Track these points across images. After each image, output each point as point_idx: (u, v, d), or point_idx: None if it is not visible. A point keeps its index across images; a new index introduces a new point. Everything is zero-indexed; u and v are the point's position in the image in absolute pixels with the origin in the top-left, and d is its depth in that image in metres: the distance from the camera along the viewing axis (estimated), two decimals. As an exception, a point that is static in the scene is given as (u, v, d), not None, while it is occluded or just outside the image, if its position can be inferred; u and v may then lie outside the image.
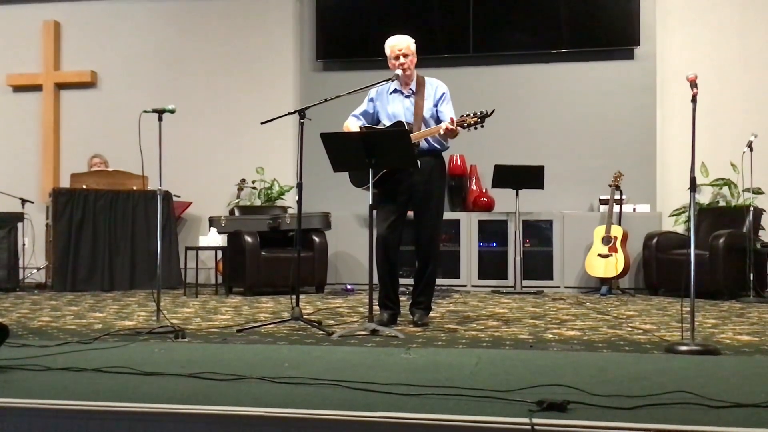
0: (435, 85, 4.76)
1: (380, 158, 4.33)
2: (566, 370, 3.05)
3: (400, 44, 4.67)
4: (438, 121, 4.67)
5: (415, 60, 4.72)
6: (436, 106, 4.71)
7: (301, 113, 4.60)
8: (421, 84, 4.74)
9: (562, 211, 7.76)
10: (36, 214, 8.31)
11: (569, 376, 2.84)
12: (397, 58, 4.66)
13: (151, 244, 7.47)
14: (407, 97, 4.73)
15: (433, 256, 4.75)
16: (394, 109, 4.73)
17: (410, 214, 4.78)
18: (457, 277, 7.71)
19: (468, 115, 4.49)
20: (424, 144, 4.65)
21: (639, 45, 7.91)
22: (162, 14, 9.02)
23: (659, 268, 6.96)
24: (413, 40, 4.74)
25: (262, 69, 8.77)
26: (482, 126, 4.50)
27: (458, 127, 4.47)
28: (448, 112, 4.65)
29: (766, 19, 7.85)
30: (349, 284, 7.69)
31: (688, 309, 3.73)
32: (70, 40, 9.22)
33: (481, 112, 4.48)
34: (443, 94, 4.73)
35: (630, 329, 4.59)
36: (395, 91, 4.76)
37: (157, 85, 8.85)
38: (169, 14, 9.01)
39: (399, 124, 4.60)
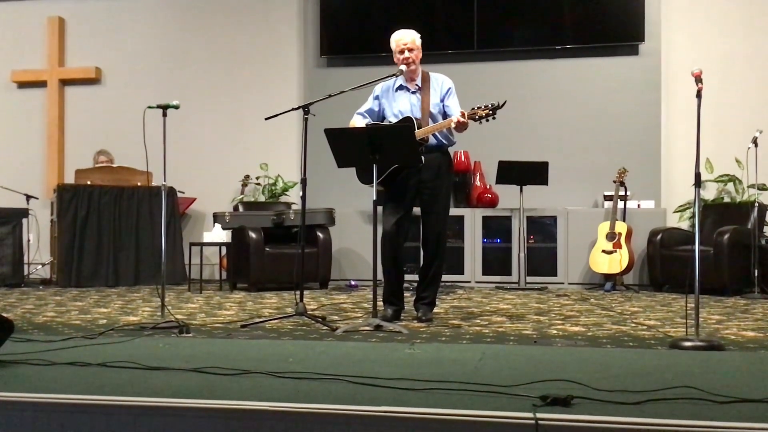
0: (441, 80, 4.75)
1: (384, 154, 4.32)
2: (570, 366, 3.05)
3: (404, 38, 4.66)
4: (445, 116, 4.66)
5: (420, 55, 4.70)
6: (442, 101, 4.70)
7: (305, 109, 4.61)
8: (426, 79, 4.73)
9: (566, 207, 7.75)
10: (41, 210, 8.32)
11: (573, 371, 2.84)
12: (401, 52, 4.64)
13: (155, 240, 7.49)
14: (413, 93, 4.72)
15: (440, 253, 4.75)
16: (401, 105, 4.72)
17: (416, 210, 4.78)
18: (461, 273, 7.71)
19: (479, 108, 4.48)
20: (432, 140, 4.63)
21: (643, 41, 7.88)
22: (166, 10, 9.03)
23: (663, 264, 6.95)
24: (418, 35, 4.72)
25: (266, 65, 8.77)
26: (494, 118, 4.49)
27: (469, 120, 4.46)
28: (455, 107, 4.65)
29: (772, 14, 7.83)
30: (353, 280, 7.69)
31: (693, 305, 3.73)
32: (74, 36, 9.23)
33: (493, 104, 4.46)
34: (449, 89, 4.72)
35: (634, 325, 4.59)
36: (401, 87, 4.75)
37: (161, 81, 8.85)
38: (173, 10, 9.02)
39: (408, 119, 4.59)
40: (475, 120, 4.48)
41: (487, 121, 4.49)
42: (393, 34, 4.71)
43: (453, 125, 4.48)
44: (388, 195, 4.70)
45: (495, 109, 4.46)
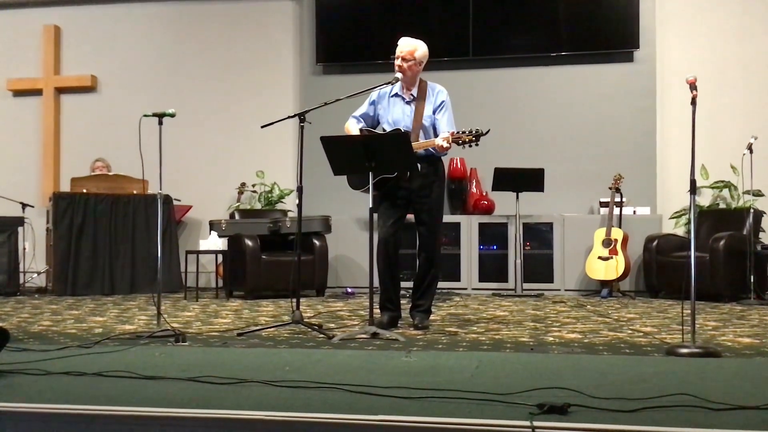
0: (436, 91, 4.73)
1: (380, 162, 4.33)
2: (567, 373, 3.04)
3: (403, 47, 4.63)
4: (435, 128, 4.67)
5: (417, 67, 4.65)
6: (434, 112, 4.70)
7: (301, 117, 4.60)
8: (423, 90, 4.72)
9: (562, 213, 7.76)
10: (36, 218, 8.31)
11: (570, 378, 2.84)
12: (397, 58, 4.65)
13: (151, 248, 7.47)
14: (408, 102, 4.72)
15: (435, 261, 4.75)
16: (395, 114, 4.71)
17: (410, 217, 4.78)
18: (458, 280, 7.71)
19: (464, 132, 4.49)
20: (421, 150, 4.64)
21: (638, 48, 7.91)
22: (162, 19, 9.04)
23: (660, 270, 6.96)
24: (423, 47, 4.66)
25: (262, 73, 8.78)
26: (477, 144, 4.51)
27: (453, 143, 4.47)
28: (444, 123, 4.64)
29: (766, 21, 7.86)
30: (350, 287, 7.69)
31: (689, 311, 3.73)
32: (70, 44, 9.23)
33: (477, 131, 4.48)
34: (443, 102, 4.70)
35: (630, 332, 4.58)
36: (396, 95, 4.75)
37: (157, 90, 8.86)
38: (169, 19, 9.03)
39: (398, 131, 4.60)
40: (458, 144, 4.49)
41: (470, 146, 4.51)
42: (401, 39, 4.70)
43: (435, 148, 4.49)
44: (380, 201, 4.70)
45: (478, 136, 4.48)
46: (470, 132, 4.47)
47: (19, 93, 9.26)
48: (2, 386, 2.72)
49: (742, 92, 7.84)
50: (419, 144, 4.59)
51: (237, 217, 7.76)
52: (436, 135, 4.62)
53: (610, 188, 7.33)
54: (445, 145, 4.43)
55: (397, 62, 4.63)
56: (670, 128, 7.94)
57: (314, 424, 2.19)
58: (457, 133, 4.49)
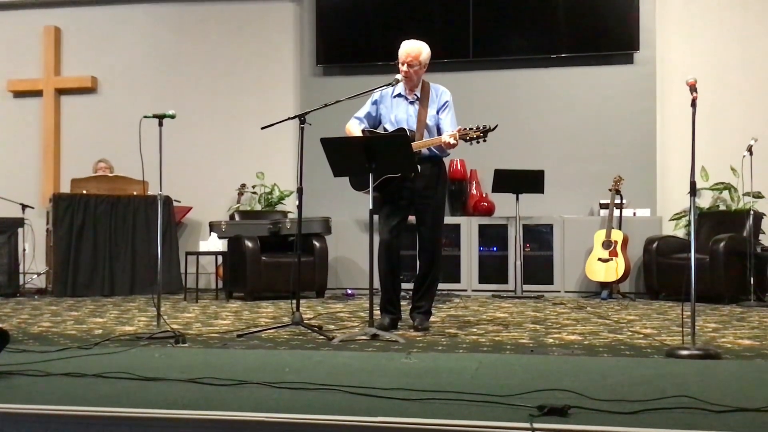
0: (440, 92, 4.74)
1: (381, 163, 4.33)
2: (567, 375, 3.04)
3: (410, 52, 4.62)
4: (439, 128, 4.67)
5: (422, 71, 4.67)
6: (438, 113, 4.70)
7: (301, 118, 4.61)
8: (426, 90, 4.73)
9: (562, 215, 7.76)
10: (36, 219, 8.31)
11: (570, 380, 2.84)
12: (403, 64, 4.64)
13: (151, 249, 7.47)
14: (411, 103, 4.72)
15: (435, 262, 4.75)
16: (398, 114, 4.72)
17: (411, 218, 4.78)
18: (458, 281, 7.71)
19: (471, 129, 4.48)
20: (425, 151, 4.63)
21: (638, 49, 7.91)
22: (162, 20, 9.04)
23: (660, 272, 6.96)
24: (427, 50, 4.67)
25: (262, 74, 8.79)
26: (484, 140, 4.50)
27: (460, 140, 4.47)
28: (448, 122, 4.64)
29: (766, 23, 7.87)
30: (350, 289, 7.69)
31: (689, 313, 3.73)
32: (70, 45, 9.24)
33: (484, 126, 4.46)
34: (446, 102, 4.71)
35: (630, 334, 4.59)
36: (399, 95, 4.75)
37: (157, 91, 8.86)
38: (169, 20, 9.03)
39: (401, 131, 4.60)
40: (465, 140, 4.49)
41: (478, 142, 4.50)
42: (403, 43, 4.69)
43: (443, 145, 4.49)
44: (382, 203, 4.70)
45: (486, 131, 4.47)
46: (477, 128, 4.47)
47: (19, 94, 9.26)
48: (2, 387, 2.72)
49: (742, 94, 7.84)
50: (425, 141, 4.59)
51: (237, 218, 7.76)
52: (439, 135, 4.62)
53: (610, 190, 7.32)
54: (452, 141, 4.42)
55: (403, 68, 4.62)
56: (670, 130, 7.94)
57: (314, 425, 2.18)
58: (464, 129, 4.49)
